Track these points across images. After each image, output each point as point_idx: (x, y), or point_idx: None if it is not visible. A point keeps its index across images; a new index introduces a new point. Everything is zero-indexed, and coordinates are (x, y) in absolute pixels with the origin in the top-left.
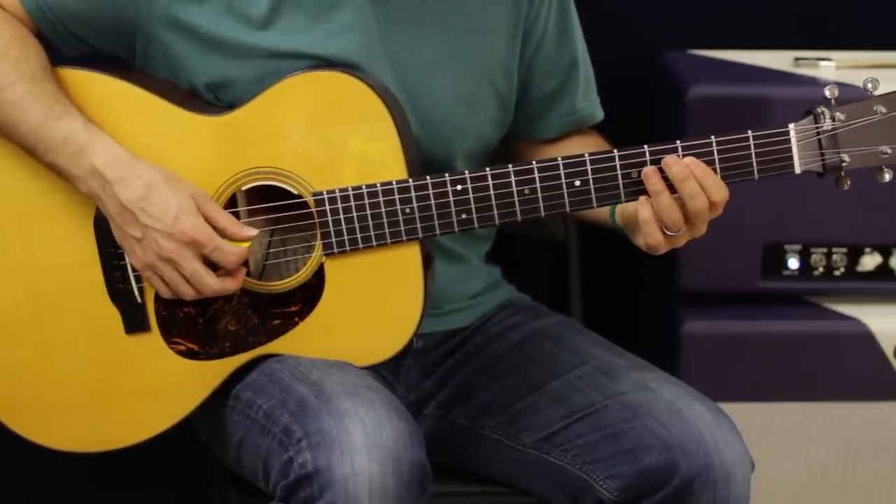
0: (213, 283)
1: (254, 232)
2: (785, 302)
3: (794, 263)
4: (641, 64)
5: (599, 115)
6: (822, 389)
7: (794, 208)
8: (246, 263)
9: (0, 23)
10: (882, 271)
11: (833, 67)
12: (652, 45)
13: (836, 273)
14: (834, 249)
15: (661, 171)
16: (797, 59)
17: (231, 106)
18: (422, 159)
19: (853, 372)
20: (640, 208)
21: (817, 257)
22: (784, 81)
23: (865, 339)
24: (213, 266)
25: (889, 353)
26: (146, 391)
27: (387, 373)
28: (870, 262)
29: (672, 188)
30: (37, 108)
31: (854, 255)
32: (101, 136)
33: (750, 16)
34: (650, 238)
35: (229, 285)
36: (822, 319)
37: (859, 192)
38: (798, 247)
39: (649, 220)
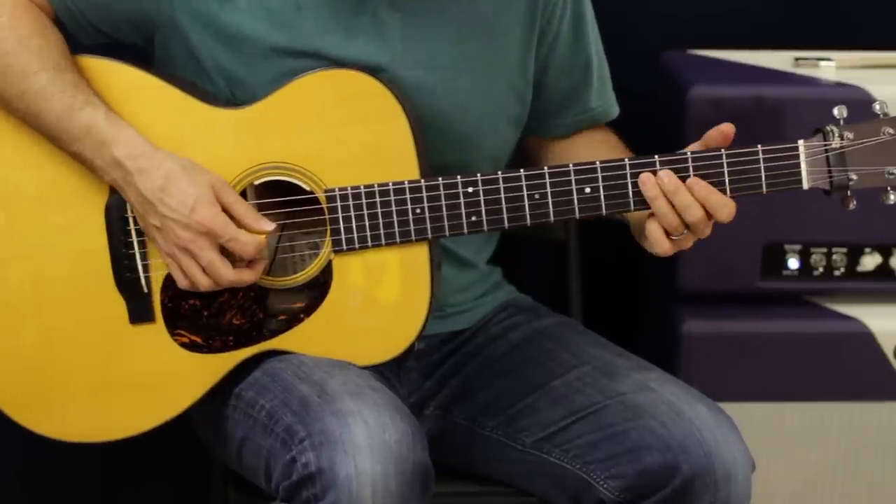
0: (228, 274)
1: (271, 225)
2: (785, 302)
3: (794, 263)
4: (642, 64)
5: (614, 112)
6: (822, 389)
7: (794, 208)
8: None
9: (21, 12)
10: (882, 271)
11: (833, 67)
12: (652, 45)
13: (836, 273)
14: (834, 249)
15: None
16: (797, 59)
17: (247, 102)
18: (442, 163)
19: (853, 372)
20: (648, 219)
21: (817, 257)
22: (784, 81)
23: (865, 339)
24: (232, 258)
25: (889, 353)
26: (147, 382)
27: (389, 374)
28: (870, 262)
29: None
30: (59, 98)
31: (854, 255)
32: (123, 126)
33: (750, 16)
34: (658, 246)
35: (246, 277)
36: (822, 319)
37: (859, 193)
38: (798, 247)
39: (655, 230)
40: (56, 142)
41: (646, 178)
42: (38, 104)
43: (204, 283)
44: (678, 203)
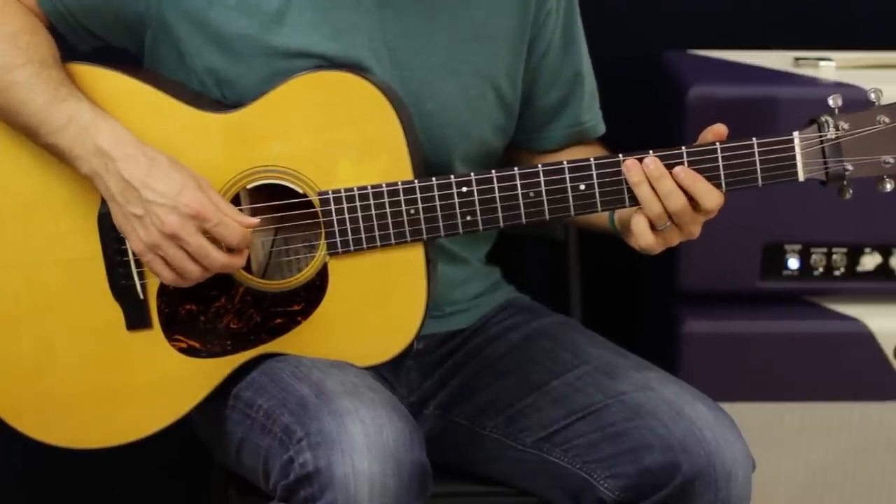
0: (220, 258)
1: (255, 220)
2: (785, 302)
3: (794, 263)
4: (642, 64)
5: (601, 128)
6: (822, 389)
7: (794, 208)
8: (248, 261)
9: (14, 11)
10: (882, 271)
11: (833, 67)
12: (652, 45)
13: (836, 273)
14: (834, 249)
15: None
16: (797, 59)
17: (238, 104)
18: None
19: (853, 372)
20: (634, 212)
21: (817, 257)
22: (784, 81)
23: (865, 339)
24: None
25: (889, 353)
26: (146, 388)
27: (387, 373)
28: (870, 262)
29: None
30: (43, 90)
31: (854, 255)
32: (107, 117)
33: (750, 16)
34: (641, 239)
35: (236, 261)
36: (822, 319)
37: (859, 193)
38: (798, 247)
39: (640, 221)
40: (35, 135)
41: (631, 164)
42: (20, 95)
43: (193, 272)
44: (661, 190)
